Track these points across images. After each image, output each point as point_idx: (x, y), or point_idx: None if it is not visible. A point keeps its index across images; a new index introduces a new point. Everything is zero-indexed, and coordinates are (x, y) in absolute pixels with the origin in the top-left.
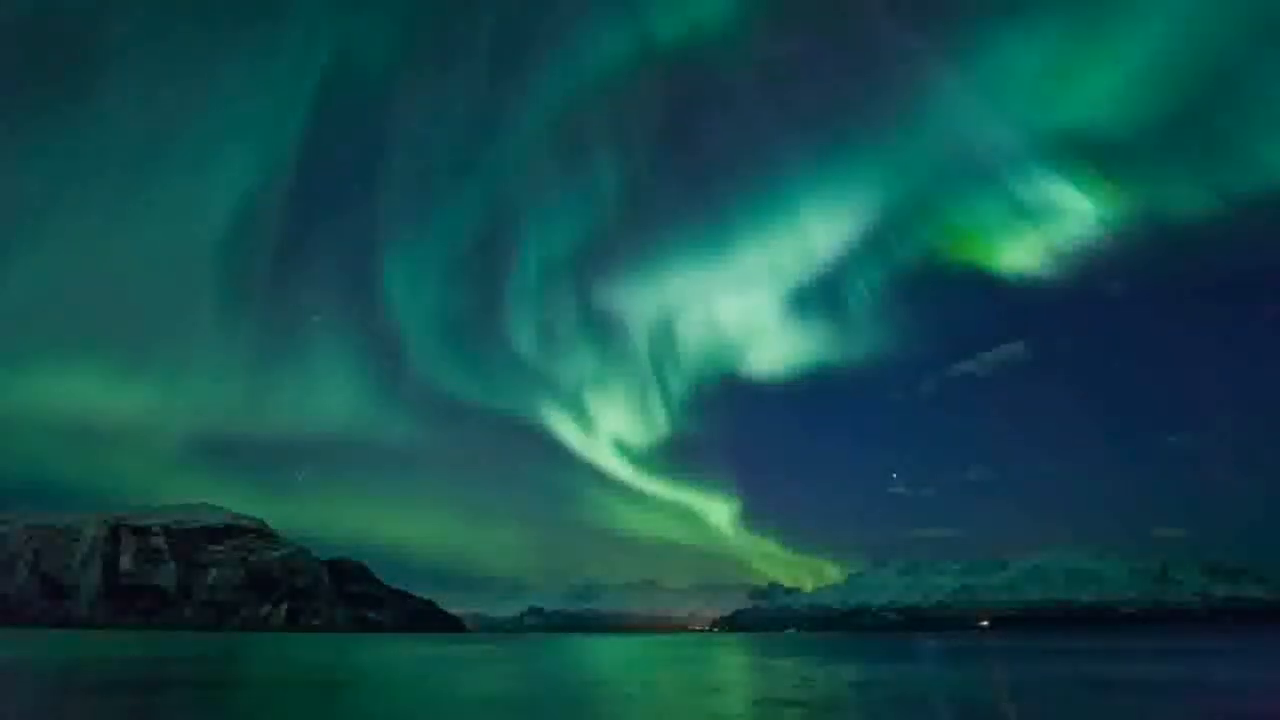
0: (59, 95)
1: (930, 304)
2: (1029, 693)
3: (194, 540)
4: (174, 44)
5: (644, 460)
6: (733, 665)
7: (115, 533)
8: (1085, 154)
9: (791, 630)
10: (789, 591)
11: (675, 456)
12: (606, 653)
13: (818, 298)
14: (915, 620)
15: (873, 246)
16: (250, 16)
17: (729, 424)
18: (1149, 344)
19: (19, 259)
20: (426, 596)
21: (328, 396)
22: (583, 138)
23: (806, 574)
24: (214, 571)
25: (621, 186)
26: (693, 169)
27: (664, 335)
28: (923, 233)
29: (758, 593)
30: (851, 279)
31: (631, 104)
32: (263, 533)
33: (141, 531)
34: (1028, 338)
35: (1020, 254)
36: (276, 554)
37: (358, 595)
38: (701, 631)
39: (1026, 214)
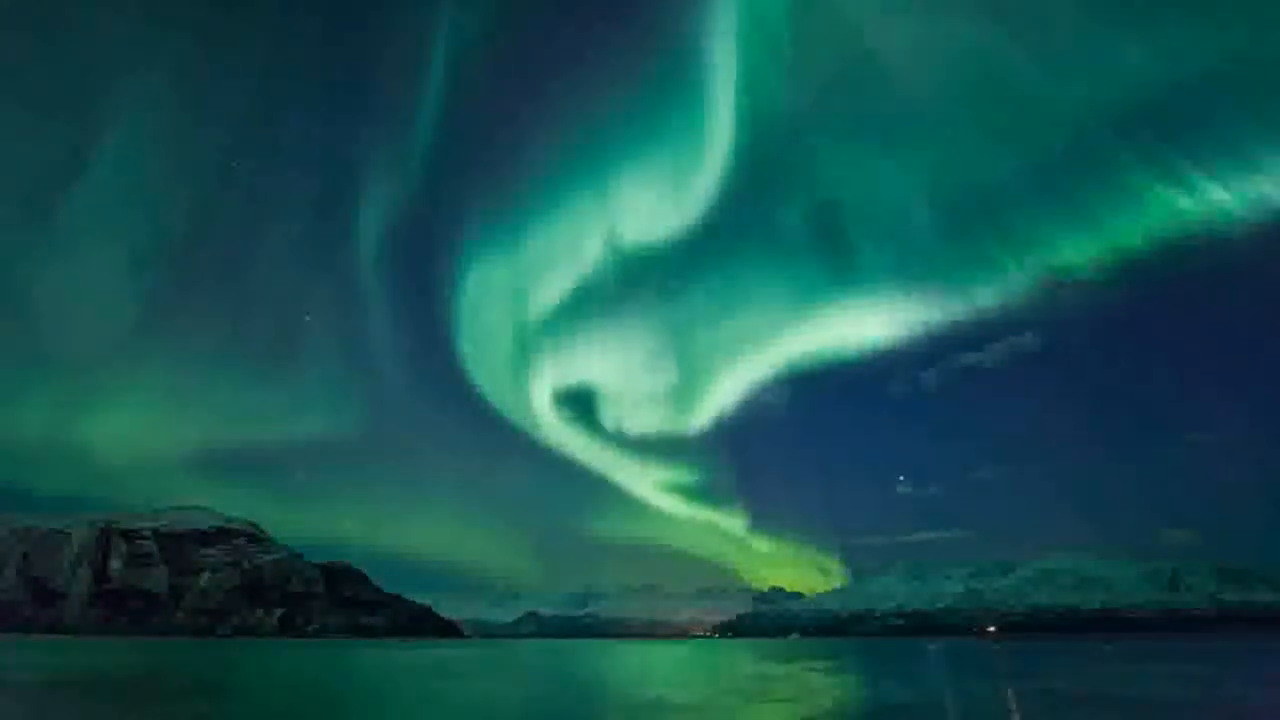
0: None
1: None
2: (1034, 699)
3: (185, 544)
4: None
5: (643, 462)
6: (734, 670)
7: (105, 536)
8: None
9: (795, 635)
10: (791, 596)
11: (674, 458)
12: (605, 659)
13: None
14: (920, 624)
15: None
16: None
17: (729, 423)
18: (1159, 338)
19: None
20: (423, 601)
21: (322, 399)
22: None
23: (809, 578)
24: (205, 576)
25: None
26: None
27: (663, 335)
28: None
29: (760, 597)
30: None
31: None
32: (255, 537)
33: (131, 535)
34: (1036, 329)
35: None
36: (269, 558)
37: (353, 600)
38: (703, 637)
39: None
